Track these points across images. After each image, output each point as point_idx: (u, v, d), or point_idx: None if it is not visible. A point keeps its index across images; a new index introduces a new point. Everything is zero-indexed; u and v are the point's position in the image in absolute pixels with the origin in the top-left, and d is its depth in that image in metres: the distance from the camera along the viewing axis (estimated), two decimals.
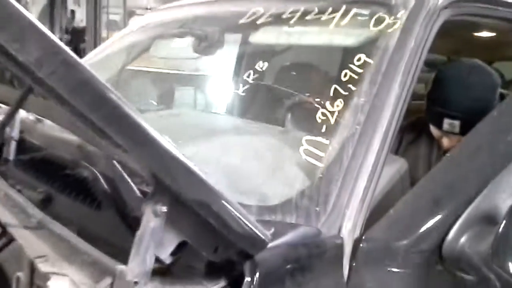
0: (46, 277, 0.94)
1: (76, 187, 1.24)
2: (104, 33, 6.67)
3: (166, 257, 0.76)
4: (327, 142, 1.10)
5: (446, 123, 1.57)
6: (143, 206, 0.74)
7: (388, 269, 0.97)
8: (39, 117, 1.93)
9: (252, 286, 0.82)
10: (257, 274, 0.83)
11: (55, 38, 0.58)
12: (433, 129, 1.68)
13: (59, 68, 0.58)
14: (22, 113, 1.92)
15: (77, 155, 1.44)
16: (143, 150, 0.67)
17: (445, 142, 1.65)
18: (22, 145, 1.69)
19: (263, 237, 0.84)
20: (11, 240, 1.18)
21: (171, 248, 0.77)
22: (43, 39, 0.57)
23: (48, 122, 1.87)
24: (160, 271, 0.84)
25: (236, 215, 0.77)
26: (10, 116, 1.13)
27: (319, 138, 1.12)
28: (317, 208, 1.00)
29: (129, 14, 8.23)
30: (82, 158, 1.39)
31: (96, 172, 1.26)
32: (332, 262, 0.95)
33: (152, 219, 0.73)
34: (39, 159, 1.47)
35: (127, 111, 0.65)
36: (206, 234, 0.79)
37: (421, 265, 0.97)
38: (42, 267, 0.93)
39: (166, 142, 0.69)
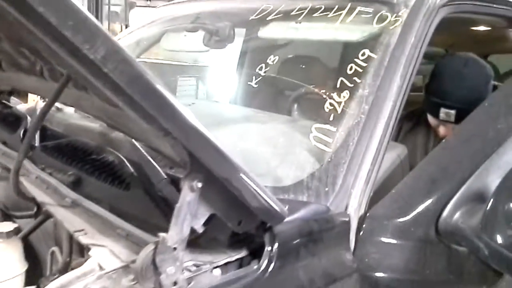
0: (86, 249, 1.05)
1: (104, 170, 1.35)
2: (105, 25, 6.74)
3: (199, 228, 0.88)
4: (334, 129, 1.21)
5: (443, 112, 1.69)
6: (181, 183, 0.85)
7: (390, 242, 1.08)
8: (59, 106, 2.04)
9: (271, 254, 0.94)
10: (276, 244, 0.94)
11: (115, 39, 0.69)
12: (431, 118, 1.80)
13: (120, 64, 0.69)
14: (40, 103, 2.03)
15: (100, 141, 1.54)
16: (183, 132, 0.78)
17: (442, 130, 1.76)
18: (44, 133, 1.79)
19: (281, 212, 0.95)
20: (45, 219, 1.29)
21: (203, 219, 0.88)
22: (107, 40, 0.67)
23: (67, 110, 1.98)
24: (189, 242, 0.95)
25: (258, 191, 0.89)
26: (49, 106, 1.22)
27: (327, 126, 1.23)
28: (326, 188, 1.11)
29: (130, 5, 8.28)
30: (106, 144, 1.50)
31: (121, 157, 1.36)
32: (340, 235, 1.07)
33: (188, 194, 0.84)
34: (64, 145, 1.57)
35: (171, 99, 0.75)
36: (232, 208, 0.90)
37: (419, 239, 1.09)
38: (82, 239, 1.04)
39: (201, 126, 0.80)
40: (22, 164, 1.23)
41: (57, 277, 1.11)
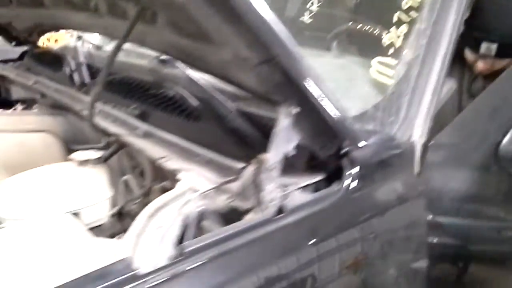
0: (172, 174, 1.11)
1: (167, 103, 1.40)
2: None
3: (289, 151, 0.94)
4: (395, 62, 1.26)
5: (484, 47, 1.73)
6: (279, 109, 0.91)
7: (451, 167, 1.16)
8: (97, 44, 2.05)
9: (352, 176, 1.01)
10: (356, 168, 1.02)
11: None
12: (469, 53, 1.84)
13: None
14: (78, 42, 2.04)
15: (153, 77, 1.58)
16: (290, 58, 0.83)
17: (480, 65, 1.81)
18: (90, 70, 1.82)
19: (359, 137, 1.02)
20: (118, 149, 1.35)
21: (294, 144, 0.94)
22: None
23: (108, 48, 2.00)
24: None
25: (344, 117, 0.95)
26: (121, 44, 1.24)
27: (388, 59, 1.28)
28: (391, 118, 1.18)
29: None
30: (161, 80, 1.54)
31: (182, 91, 1.41)
32: (406, 162, 1.14)
33: (285, 119, 0.90)
34: (118, 82, 1.60)
35: (279, 27, 0.81)
36: (318, 133, 0.97)
37: (480, 164, 1.17)
38: (169, 165, 1.11)
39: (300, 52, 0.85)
40: (97, 99, 1.28)
41: (140, 201, 1.20)
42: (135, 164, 1.29)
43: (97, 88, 1.25)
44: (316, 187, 1.05)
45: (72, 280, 0.72)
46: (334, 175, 1.05)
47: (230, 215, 0.97)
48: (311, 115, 0.92)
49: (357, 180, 1.02)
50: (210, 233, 0.85)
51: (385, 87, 1.24)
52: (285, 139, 0.92)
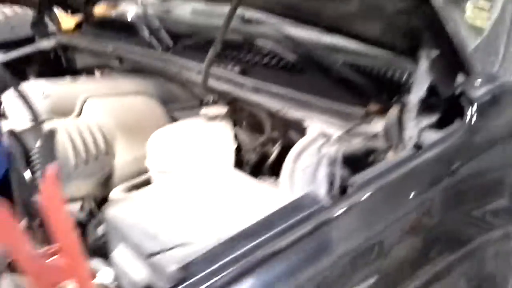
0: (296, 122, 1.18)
1: (264, 60, 1.46)
2: None
3: (422, 94, 1.02)
4: (489, 5, 1.32)
5: None
6: (420, 52, 0.98)
7: None
8: (166, 9, 2.08)
9: (472, 113, 1.09)
10: (474, 106, 1.10)
11: None
12: None
13: None
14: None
15: (241, 36, 1.62)
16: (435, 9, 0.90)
17: None
18: (169, 34, 1.86)
19: (476, 77, 1.10)
20: (229, 105, 1.41)
21: (427, 85, 1.02)
22: None
23: (178, 12, 2.03)
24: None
25: (472, 57, 1.03)
26: (235, 8, 1.26)
27: (481, 3, 1.33)
28: (491, 59, 1.25)
29: None
30: (250, 38, 1.59)
31: (277, 47, 1.46)
32: (509, 98, 1.22)
33: (425, 62, 0.98)
34: (205, 43, 1.63)
35: None
36: (448, 74, 1.05)
37: None
38: (291, 113, 1.19)
39: None
40: (212, 62, 1.33)
41: (257, 151, 1.29)
42: (245, 117, 1.36)
43: (213, 51, 1.30)
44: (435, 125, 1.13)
45: (269, 215, 0.82)
46: (450, 113, 1.13)
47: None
48: (446, 56, 1.00)
49: (475, 117, 1.10)
50: (371, 169, 0.93)
51: (481, 29, 1.30)
52: (423, 81, 1.00)
